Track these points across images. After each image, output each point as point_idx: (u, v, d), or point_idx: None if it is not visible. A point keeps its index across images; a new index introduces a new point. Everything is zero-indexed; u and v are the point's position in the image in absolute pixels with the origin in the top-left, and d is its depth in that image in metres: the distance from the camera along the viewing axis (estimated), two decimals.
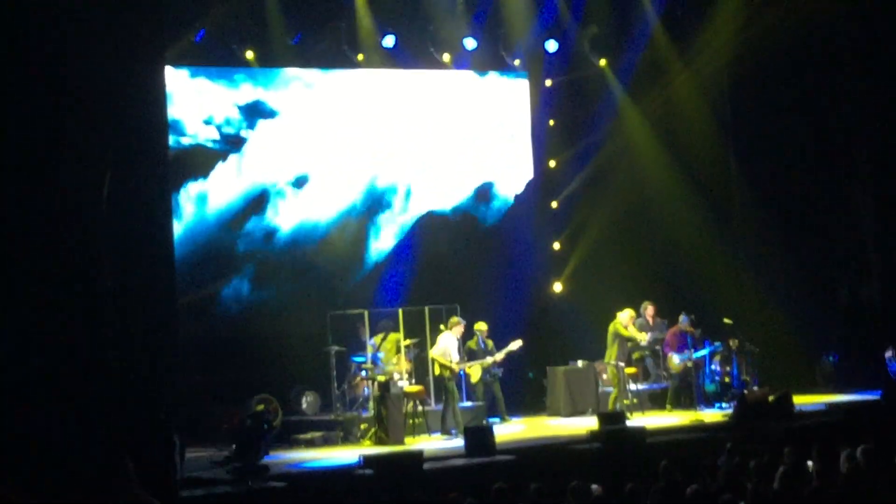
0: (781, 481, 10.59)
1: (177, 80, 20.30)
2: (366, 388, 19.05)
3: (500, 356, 19.61)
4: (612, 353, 19.94)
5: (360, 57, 21.72)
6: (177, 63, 19.99)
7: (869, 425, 15.14)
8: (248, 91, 21.34)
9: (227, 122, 21.12)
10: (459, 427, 18.13)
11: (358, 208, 22.17)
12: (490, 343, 19.88)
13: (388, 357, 19.42)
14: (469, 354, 19.62)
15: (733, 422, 17.81)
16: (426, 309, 20.33)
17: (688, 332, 20.07)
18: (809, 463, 11.63)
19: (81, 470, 12.98)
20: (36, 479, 12.67)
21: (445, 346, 19.22)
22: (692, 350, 19.88)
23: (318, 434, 18.53)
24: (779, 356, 21.07)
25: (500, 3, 22.50)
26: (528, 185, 23.69)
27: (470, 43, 22.38)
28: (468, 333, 19.75)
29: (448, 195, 22.94)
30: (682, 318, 20.19)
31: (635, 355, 20.70)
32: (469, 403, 19.75)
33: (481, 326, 19.96)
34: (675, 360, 20.10)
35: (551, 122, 23.95)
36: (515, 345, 19.66)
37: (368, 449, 17.11)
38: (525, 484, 11.66)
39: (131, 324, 14.11)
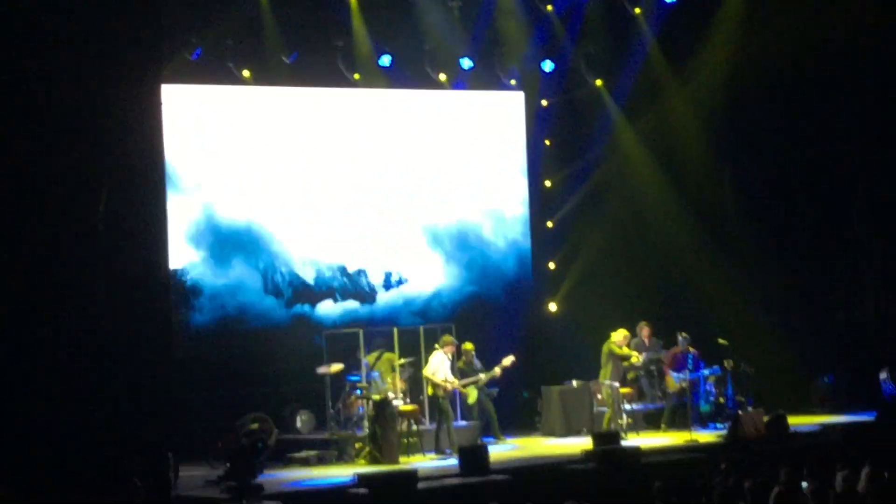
0: (776, 502, 10.57)
1: (173, 97, 20.24)
2: (360, 408, 18.99)
3: (495, 372, 19.55)
4: (606, 372, 19.95)
5: (357, 76, 21.72)
6: (173, 81, 19.93)
7: (864, 446, 15.14)
8: (244, 109, 21.27)
9: (223, 140, 21.02)
10: (454, 446, 18.08)
11: (353, 227, 22.08)
12: (479, 363, 19.82)
13: (382, 376, 19.38)
14: (461, 375, 19.55)
15: (727, 442, 17.80)
16: (421, 328, 20.32)
17: (689, 352, 20.01)
18: (804, 484, 11.61)
19: (81, 470, 13.06)
20: (36, 479, 12.75)
21: (437, 366, 19.18)
22: (689, 370, 19.83)
23: (312, 453, 18.47)
24: (774, 377, 21.02)
25: (496, 23, 22.54)
26: (524, 204, 23.66)
27: (466, 62, 22.41)
28: (457, 354, 19.70)
29: (444, 213, 22.89)
30: (680, 338, 20.15)
31: (630, 375, 20.66)
32: (464, 423, 19.70)
33: (469, 346, 19.90)
34: (672, 379, 20.07)
35: (547, 142, 23.98)
36: (508, 360, 19.61)
37: (363, 468, 17.09)
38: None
39: (126, 343, 14.17)
